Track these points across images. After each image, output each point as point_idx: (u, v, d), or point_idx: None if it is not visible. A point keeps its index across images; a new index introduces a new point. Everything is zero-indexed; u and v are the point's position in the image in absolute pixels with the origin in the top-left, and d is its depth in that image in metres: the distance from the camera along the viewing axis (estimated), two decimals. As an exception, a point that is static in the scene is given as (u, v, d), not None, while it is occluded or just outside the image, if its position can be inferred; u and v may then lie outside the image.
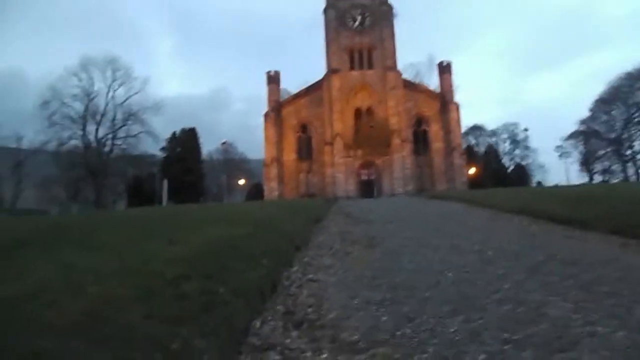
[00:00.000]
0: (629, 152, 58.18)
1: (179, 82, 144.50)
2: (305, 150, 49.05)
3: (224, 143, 49.58)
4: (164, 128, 55.83)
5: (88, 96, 45.30)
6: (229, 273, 4.04)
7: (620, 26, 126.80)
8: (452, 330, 3.01)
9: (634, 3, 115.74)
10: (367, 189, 44.30)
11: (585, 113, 61.03)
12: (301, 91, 50.35)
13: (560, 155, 65.66)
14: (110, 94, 46.19)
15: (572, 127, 64.01)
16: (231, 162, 68.29)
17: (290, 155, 48.70)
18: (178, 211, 12.83)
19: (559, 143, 65.17)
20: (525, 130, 45.60)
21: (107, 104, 46.14)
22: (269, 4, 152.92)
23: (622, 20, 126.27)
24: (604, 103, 57.53)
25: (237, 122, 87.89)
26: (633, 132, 56.78)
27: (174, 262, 4.10)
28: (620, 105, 56.01)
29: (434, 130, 48.03)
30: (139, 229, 6.88)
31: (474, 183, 47.50)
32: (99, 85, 45.81)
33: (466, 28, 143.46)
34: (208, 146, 63.89)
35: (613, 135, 59.11)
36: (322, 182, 46.22)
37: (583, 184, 59.94)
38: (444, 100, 47.91)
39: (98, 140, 46.19)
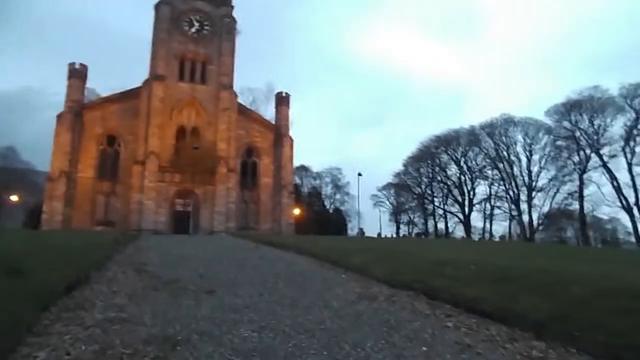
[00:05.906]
0: (430, 206, 65.31)
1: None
2: (110, 168, 39.61)
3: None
4: None
5: None
6: None
7: (437, 100, 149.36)
8: None
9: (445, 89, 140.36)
10: (182, 222, 37.06)
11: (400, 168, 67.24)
12: (113, 95, 41.06)
13: (374, 204, 70.66)
14: None
15: (389, 179, 69.96)
16: (8, 171, 52.74)
17: (87, 172, 38.67)
18: None
19: (375, 192, 70.14)
20: (359, 175, 45.97)
21: None
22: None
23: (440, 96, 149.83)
24: (415, 160, 63.93)
25: (43, 131, 71.08)
26: (435, 189, 64.06)
27: None
28: (428, 163, 62.78)
29: (265, 163, 44.41)
30: None
31: (298, 225, 45.33)
32: None
33: (304, 72, 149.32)
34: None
35: (418, 190, 65.85)
36: (126, 209, 37.44)
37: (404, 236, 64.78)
38: (278, 133, 44.99)
39: None
